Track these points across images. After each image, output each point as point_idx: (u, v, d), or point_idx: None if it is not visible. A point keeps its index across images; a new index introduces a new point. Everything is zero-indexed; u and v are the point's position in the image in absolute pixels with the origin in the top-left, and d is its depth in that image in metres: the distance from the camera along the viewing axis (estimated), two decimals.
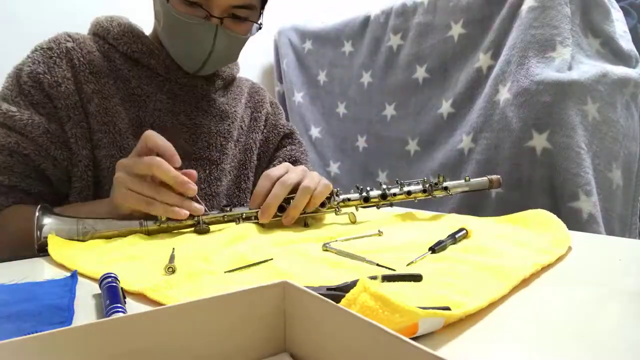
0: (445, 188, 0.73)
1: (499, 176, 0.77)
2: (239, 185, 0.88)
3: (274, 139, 0.95)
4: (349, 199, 0.71)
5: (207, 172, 0.83)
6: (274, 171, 0.68)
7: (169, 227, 0.63)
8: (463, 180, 0.75)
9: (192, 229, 0.64)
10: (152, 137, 0.62)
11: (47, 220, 0.57)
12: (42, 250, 0.55)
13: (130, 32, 0.79)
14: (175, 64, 0.80)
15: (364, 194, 0.71)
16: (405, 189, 0.72)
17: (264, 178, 0.68)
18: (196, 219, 0.64)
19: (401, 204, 0.76)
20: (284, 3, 1.78)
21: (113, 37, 0.78)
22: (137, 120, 0.77)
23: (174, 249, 0.52)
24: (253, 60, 1.86)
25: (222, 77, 0.89)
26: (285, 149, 0.95)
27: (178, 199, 0.62)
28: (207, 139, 0.83)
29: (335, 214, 0.70)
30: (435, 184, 0.73)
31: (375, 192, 0.72)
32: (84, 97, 0.74)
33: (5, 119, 0.69)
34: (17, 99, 0.71)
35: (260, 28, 0.81)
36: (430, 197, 0.73)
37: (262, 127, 0.94)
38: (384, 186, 0.72)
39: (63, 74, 0.73)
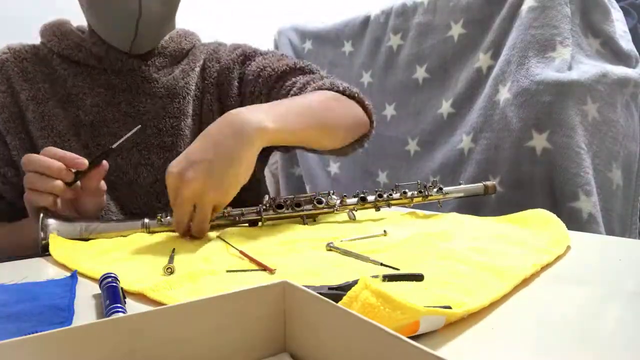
0: (441, 189, 0.73)
1: (494, 182, 0.77)
2: None
3: (228, 82, 0.83)
4: (346, 202, 0.71)
5: (163, 159, 0.77)
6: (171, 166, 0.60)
7: (170, 226, 0.63)
8: (458, 185, 0.76)
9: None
10: (47, 151, 0.60)
11: (51, 221, 0.58)
12: (46, 251, 0.55)
13: (57, 30, 0.77)
14: (107, 52, 0.76)
15: (361, 195, 0.71)
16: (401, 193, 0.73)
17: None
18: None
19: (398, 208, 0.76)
20: (284, 3, 1.78)
21: (47, 40, 0.77)
22: (76, 120, 0.75)
23: (174, 249, 0.52)
24: None
25: (165, 54, 0.81)
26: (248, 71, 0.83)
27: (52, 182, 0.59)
28: (156, 124, 0.78)
29: (334, 212, 0.70)
30: (431, 186, 0.73)
31: (371, 197, 0.72)
32: (21, 106, 0.73)
33: None
34: None
35: None
36: (426, 201, 0.73)
37: (213, 89, 0.84)
38: (380, 191, 0.73)
39: None
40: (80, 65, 0.77)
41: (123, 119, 0.77)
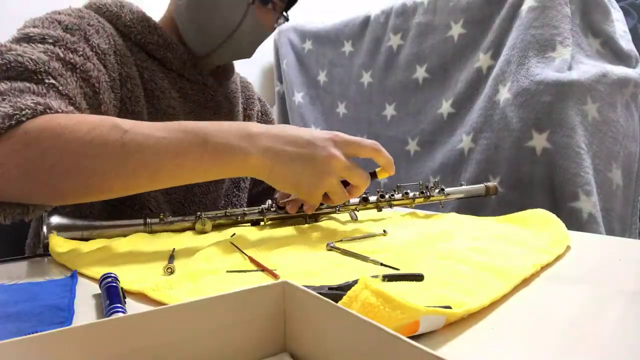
0: (442, 190, 0.73)
1: (495, 183, 0.77)
2: (238, 185, 0.87)
3: None
4: (348, 202, 0.71)
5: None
6: None
7: (172, 225, 0.63)
8: (460, 186, 0.76)
9: (194, 228, 0.64)
10: (384, 155, 0.61)
11: (54, 219, 0.58)
12: (48, 249, 0.55)
13: (145, 21, 0.73)
14: (191, 59, 0.77)
15: (363, 195, 0.71)
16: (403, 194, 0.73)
17: None
18: (198, 215, 0.64)
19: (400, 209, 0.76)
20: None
21: (124, 25, 0.72)
22: (152, 115, 0.73)
23: (174, 249, 0.52)
24: (253, 60, 1.85)
25: (226, 77, 0.86)
26: None
27: None
28: None
29: (336, 212, 0.71)
30: (432, 187, 0.73)
31: (373, 197, 0.72)
32: (122, 79, 0.68)
33: (69, 44, 0.60)
34: (76, 34, 0.62)
35: (287, 19, 0.80)
36: (428, 201, 0.73)
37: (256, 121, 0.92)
38: (382, 191, 0.72)
39: (108, 44, 0.66)
40: (158, 62, 0.75)
41: None
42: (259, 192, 0.94)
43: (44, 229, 0.56)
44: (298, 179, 0.56)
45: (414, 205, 0.73)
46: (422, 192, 0.73)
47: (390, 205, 0.73)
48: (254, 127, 0.56)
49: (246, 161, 0.54)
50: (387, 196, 0.72)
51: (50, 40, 0.58)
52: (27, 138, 0.47)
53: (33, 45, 0.57)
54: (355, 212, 0.71)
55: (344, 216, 0.73)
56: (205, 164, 0.53)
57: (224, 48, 0.76)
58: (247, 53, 0.81)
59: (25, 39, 0.58)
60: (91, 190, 0.51)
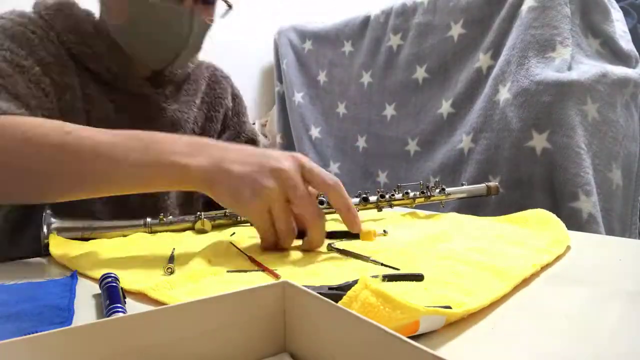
0: (443, 189, 0.73)
1: (496, 183, 0.77)
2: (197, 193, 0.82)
3: (230, 129, 0.86)
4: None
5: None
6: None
7: (171, 225, 0.63)
8: (461, 186, 0.75)
9: (193, 229, 0.65)
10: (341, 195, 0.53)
11: (54, 219, 0.58)
12: (48, 250, 0.55)
13: (75, 31, 0.68)
14: (125, 72, 0.71)
15: (363, 195, 0.71)
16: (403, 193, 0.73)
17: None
18: (198, 215, 0.64)
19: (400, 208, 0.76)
20: (284, 3, 1.78)
21: (58, 31, 0.67)
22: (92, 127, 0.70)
23: (173, 249, 0.52)
24: (253, 60, 1.86)
25: (173, 82, 0.79)
26: None
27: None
28: None
29: (336, 212, 0.70)
30: (433, 187, 0.73)
31: (373, 197, 0.72)
32: (61, 89, 0.65)
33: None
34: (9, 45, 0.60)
35: (230, 7, 0.74)
36: (429, 201, 0.73)
37: (219, 127, 0.85)
38: (382, 191, 0.72)
39: (50, 54, 0.65)
40: (89, 71, 0.70)
41: None
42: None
43: (44, 229, 0.56)
44: (237, 186, 0.49)
45: (414, 205, 0.73)
46: (422, 192, 0.72)
47: (391, 205, 0.72)
48: (209, 140, 0.54)
49: (187, 166, 0.49)
50: (387, 196, 0.72)
51: None
52: None
53: None
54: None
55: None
56: (145, 171, 0.50)
57: (181, 57, 0.72)
58: (198, 51, 0.77)
59: None
60: (33, 193, 0.51)
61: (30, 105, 0.56)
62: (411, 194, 0.72)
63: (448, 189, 0.73)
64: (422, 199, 0.72)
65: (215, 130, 0.85)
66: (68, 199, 0.53)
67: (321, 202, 0.66)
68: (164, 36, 0.69)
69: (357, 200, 0.71)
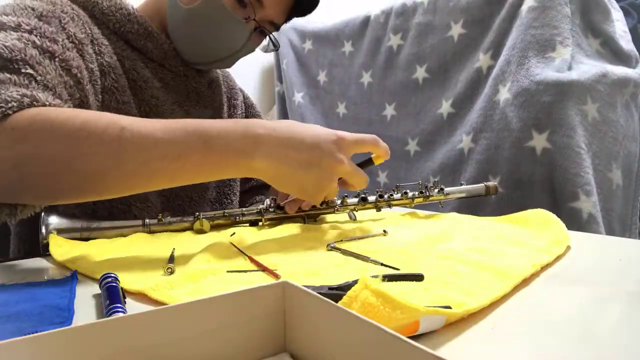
0: (442, 189, 0.73)
1: (495, 183, 0.77)
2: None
3: None
4: (347, 202, 0.71)
5: None
6: None
7: (170, 226, 0.63)
8: (460, 186, 0.76)
9: (192, 229, 0.65)
10: (382, 145, 0.63)
11: (52, 219, 0.58)
12: (47, 249, 0.55)
13: (123, 9, 0.70)
14: (172, 50, 0.74)
15: (362, 195, 0.71)
16: (402, 193, 0.73)
17: None
18: (197, 218, 0.64)
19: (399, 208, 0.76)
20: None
21: (101, 12, 0.69)
22: (136, 106, 0.70)
23: (174, 249, 0.52)
24: (253, 60, 1.85)
25: (211, 70, 0.85)
26: None
27: None
28: None
29: (335, 212, 0.71)
30: (432, 187, 0.73)
31: (372, 197, 0.72)
32: (102, 69, 0.65)
33: (46, 34, 0.56)
34: (52, 23, 0.58)
35: (276, 48, 0.79)
36: (428, 201, 0.73)
37: (240, 114, 0.92)
38: (381, 191, 0.72)
39: (84, 33, 0.63)
40: (138, 52, 0.72)
41: (173, 118, 0.75)
42: (252, 187, 0.93)
43: (43, 229, 0.56)
44: (303, 184, 0.56)
45: (413, 205, 0.73)
46: (421, 192, 0.73)
47: (390, 205, 0.73)
48: (259, 127, 0.54)
49: (249, 165, 0.53)
50: (386, 196, 0.72)
51: (26, 28, 0.54)
52: (16, 134, 0.44)
53: (6, 33, 0.53)
54: (354, 212, 0.71)
55: (343, 216, 0.73)
56: (207, 167, 0.52)
57: (217, 64, 0.76)
58: (230, 66, 0.81)
59: None
60: (85, 190, 0.49)
61: (62, 96, 0.54)
62: (410, 194, 0.72)
63: (447, 189, 0.73)
64: (421, 199, 0.72)
65: (239, 117, 0.90)
66: (124, 195, 0.53)
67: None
68: (216, 39, 0.72)
69: (355, 200, 0.71)
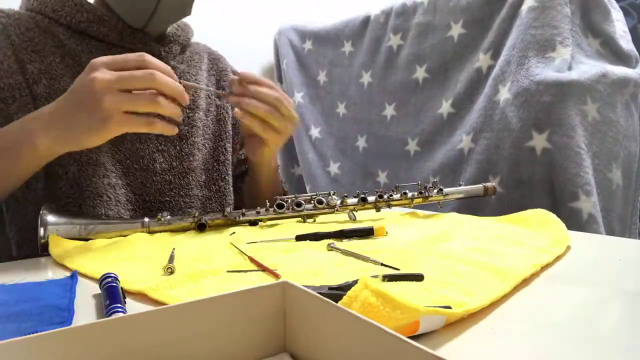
0: (441, 190, 0.73)
1: (494, 184, 0.77)
2: (217, 158, 0.83)
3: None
4: (347, 202, 0.71)
5: (178, 148, 0.77)
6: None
7: (170, 226, 0.63)
8: (459, 186, 0.76)
9: (193, 229, 0.65)
10: (153, 61, 0.55)
11: (51, 219, 0.58)
12: (45, 249, 0.55)
13: (70, 1, 0.70)
14: (127, 28, 0.73)
15: (362, 196, 0.71)
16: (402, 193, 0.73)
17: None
18: (196, 218, 0.64)
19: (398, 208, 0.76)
20: (284, 3, 1.78)
21: (52, 10, 0.70)
22: None
23: (174, 249, 0.52)
24: (253, 60, 1.85)
25: (178, 42, 0.82)
26: None
27: (175, 108, 0.56)
28: None
29: (335, 212, 0.71)
30: (431, 187, 0.73)
31: (372, 197, 0.72)
32: (28, 78, 0.66)
33: None
34: None
35: None
36: (427, 202, 0.73)
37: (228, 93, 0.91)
38: (380, 191, 0.72)
39: (2, 51, 0.65)
40: (94, 40, 0.72)
41: None
42: (243, 172, 0.92)
43: (41, 230, 0.56)
44: (85, 124, 0.53)
45: (412, 205, 0.73)
46: (420, 193, 0.73)
47: (389, 206, 0.73)
48: (45, 108, 0.56)
49: (36, 146, 0.55)
50: (385, 196, 0.72)
51: None
52: None
53: None
54: (354, 212, 0.71)
55: (343, 216, 0.73)
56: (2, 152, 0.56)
57: (156, 15, 0.72)
58: (184, 11, 0.76)
59: None
60: None
61: None
62: (409, 195, 0.72)
63: (446, 190, 0.74)
64: (420, 200, 0.72)
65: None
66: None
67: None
68: None
69: (355, 200, 0.71)
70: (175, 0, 0.72)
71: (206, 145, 0.82)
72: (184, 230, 0.65)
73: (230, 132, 0.87)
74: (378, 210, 0.73)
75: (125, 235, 0.61)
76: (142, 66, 0.54)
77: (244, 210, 0.67)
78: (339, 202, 0.70)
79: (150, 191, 0.74)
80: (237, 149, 0.90)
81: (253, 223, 0.68)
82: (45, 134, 0.54)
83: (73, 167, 0.66)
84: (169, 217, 0.64)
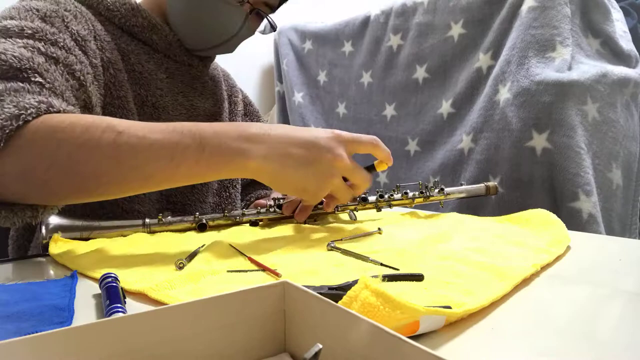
0: (442, 189, 0.73)
1: (495, 183, 0.77)
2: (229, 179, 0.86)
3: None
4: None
5: None
6: None
7: (170, 226, 0.63)
8: (460, 186, 0.76)
9: (193, 229, 0.64)
10: (383, 148, 0.61)
11: (52, 220, 0.58)
12: (46, 249, 0.55)
13: (127, 4, 0.73)
14: (176, 41, 0.76)
15: (362, 195, 0.71)
16: (402, 193, 0.73)
17: None
18: (197, 218, 0.64)
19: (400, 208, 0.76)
20: (284, 3, 1.78)
21: (106, 8, 0.72)
22: (139, 99, 0.72)
23: (203, 245, 0.53)
24: (253, 60, 1.86)
25: (210, 58, 0.86)
26: None
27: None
28: (203, 121, 0.80)
29: (335, 212, 0.71)
30: (432, 187, 0.73)
31: (372, 197, 0.72)
32: (103, 64, 0.67)
33: (51, 37, 0.58)
34: (55, 22, 0.60)
35: (274, 29, 0.80)
36: (428, 201, 0.73)
37: (241, 111, 0.93)
38: (381, 191, 0.73)
39: (87, 30, 0.65)
40: (143, 44, 0.74)
41: (180, 109, 0.77)
42: (254, 180, 0.93)
43: (43, 230, 0.56)
44: (303, 184, 0.55)
45: (413, 205, 0.73)
46: (421, 192, 0.73)
47: (390, 205, 0.73)
48: (254, 127, 0.54)
49: (246, 165, 0.52)
50: (386, 196, 0.72)
51: (29, 32, 0.56)
52: (24, 140, 0.47)
53: (12, 40, 0.55)
54: (355, 212, 0.71)
55: (343, 216, 0.73)
56: (202, 168, 0.52)
57: (216, 49, 0.78)
58: (232, 51, 0.82)
59: (2, 32, 0.56)
60: (86, 192, 0.51)
61: (70, 100, 0.56)
62: (410, 194, 0.72)
63: (447, 189, 0.74)
64: (421, 199, 0.72)
65: (240, 113, 0.92)
66: (124, 196, 0.55)
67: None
68: (213, 25, 0.74)
69: (355, 200, 0.71)
70: (237, 42, 0.78)
71: None
72: (184, 230, 0.65)
73: None
74: (379, 210, 0.72)
75: (125, 235, 0.61)
76: (370, 150, 0.60)
77: (244, 210, 0.67)
78: None
79: (177, 193, 0.76)
80: None
81: (253, 224, 0.68)
82: (263, 160, 0.53)
83: None
84: (169, 217, 0.64)
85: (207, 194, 0.81)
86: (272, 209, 0.68)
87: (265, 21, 0.79)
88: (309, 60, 1.64)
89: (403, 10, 1.34)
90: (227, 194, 0.85)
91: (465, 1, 1.17)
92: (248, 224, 0.68)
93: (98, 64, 0.65)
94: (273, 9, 0.78)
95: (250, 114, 0.96)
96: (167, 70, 0.77)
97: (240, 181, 0.89)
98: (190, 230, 0.65)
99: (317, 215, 0.71)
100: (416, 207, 0.75)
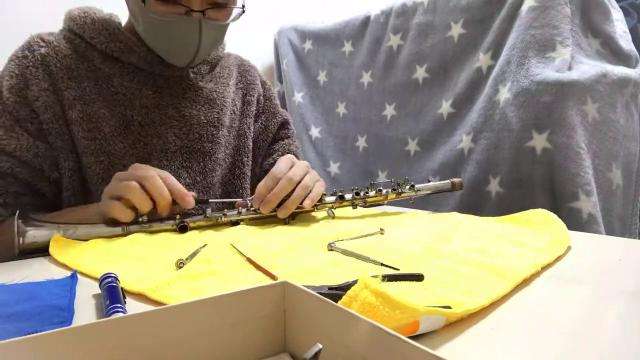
0: (413, 186, 0.75)
1: (460, 179, 0.80)
2: (234, 172, 0.87)
3: (272, 127, 0.93)
4: (325, 200, 0.73)
5: (202, 164, 0.81)
6: (281, 167, 0.69)
7: (151, 229, 0.62)
8: (427, 183, 0.78)
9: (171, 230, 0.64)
10: (167, 177, 0.63)
11: (29, 227, 0.57)
12: (22, 255, 0.55)
13: (105, 29, 0.75)
14: (156, 58, 0.77)
15: (339, 193, 0.73)
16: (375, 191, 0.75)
17: (270, 178, 0.68)
18: (178, 220, 0.64)
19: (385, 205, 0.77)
20: (284, 3, 1.78)
21: (89, 36, 0.75)
22: (124, 120, 0.74)
23: (204, 245, 0.53)
24: (253, 60, 1.85)
25: (206, 62, 0.86)
26: (283, 142, 0.94)
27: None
28: (198, 130, 0.81)
29: (315, 210, 0.72)
30: (403, 183, 0.76)
31: (349, 195, 0.74)
32: (64, 105, 0.71)
33: None
34: (1, 118, 0.69)
35: (243, 11, 0.77)
36: (400, 198, 0.75)
37: (255, 110, 0.92)
38: (357, 189, 0.75)
39: (40, 85, 0.71)
40: (126, 65, 0.77)
41: (169, 122, 0.78)
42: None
43: (20, 239, 0.56)
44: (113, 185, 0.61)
45: (386, 201, 0.75)
46: (394, 189, 0.75)
47: (365, 202, 0.74)
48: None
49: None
50: (361, 193, 0.74)
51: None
52: None
53: None
54: (332, 209, 0.73)
55: (344, 215, 0.73)
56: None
57: (197, 58, 0.76)
58: (219, 41, 0.82)
59: None
60: None
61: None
62: (384, 191, 0.74)
63: (417, 186, 0.77)
64: (394, 195, 0.75)
65: (252, 113, 0.92)
66: None
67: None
68: (175, 45, 0.74)
69: (333, 198, 0.73)
70: (212, 42, 0.77)
71: (226, 160, 0.86)
72: (164, 231, 0.64)
73: (250, 147, 0.90)
74: (354, 207, 0.74)
75: (122, 237, 0.61)
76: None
77: (225, 211, 0.68)
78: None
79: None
80: (260, 162, 0.93)
81: (234, 224, 0.68)
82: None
83: (102, 186, 0.67)
84: (146, 218, 0.62)
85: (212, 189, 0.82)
86: (252, 209, 0.68)
87: (234, 11, 0.77)
88: (309, 60, 1.64)
89: (403, 10, 1.34)
90: (239, 182, 0.87)
91: (465, 1, 1.17)
92: (245, 224, 0.68)
93: (51, 116, 0.71)
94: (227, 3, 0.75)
95: (266, 111, 0.95)
96: (154, 85, 0.78)
97: (245, 186, 0.89)
98: (170, 231, 0.64)
99: (297, 214, 0.72)
100: (389, 203, 0.77)
